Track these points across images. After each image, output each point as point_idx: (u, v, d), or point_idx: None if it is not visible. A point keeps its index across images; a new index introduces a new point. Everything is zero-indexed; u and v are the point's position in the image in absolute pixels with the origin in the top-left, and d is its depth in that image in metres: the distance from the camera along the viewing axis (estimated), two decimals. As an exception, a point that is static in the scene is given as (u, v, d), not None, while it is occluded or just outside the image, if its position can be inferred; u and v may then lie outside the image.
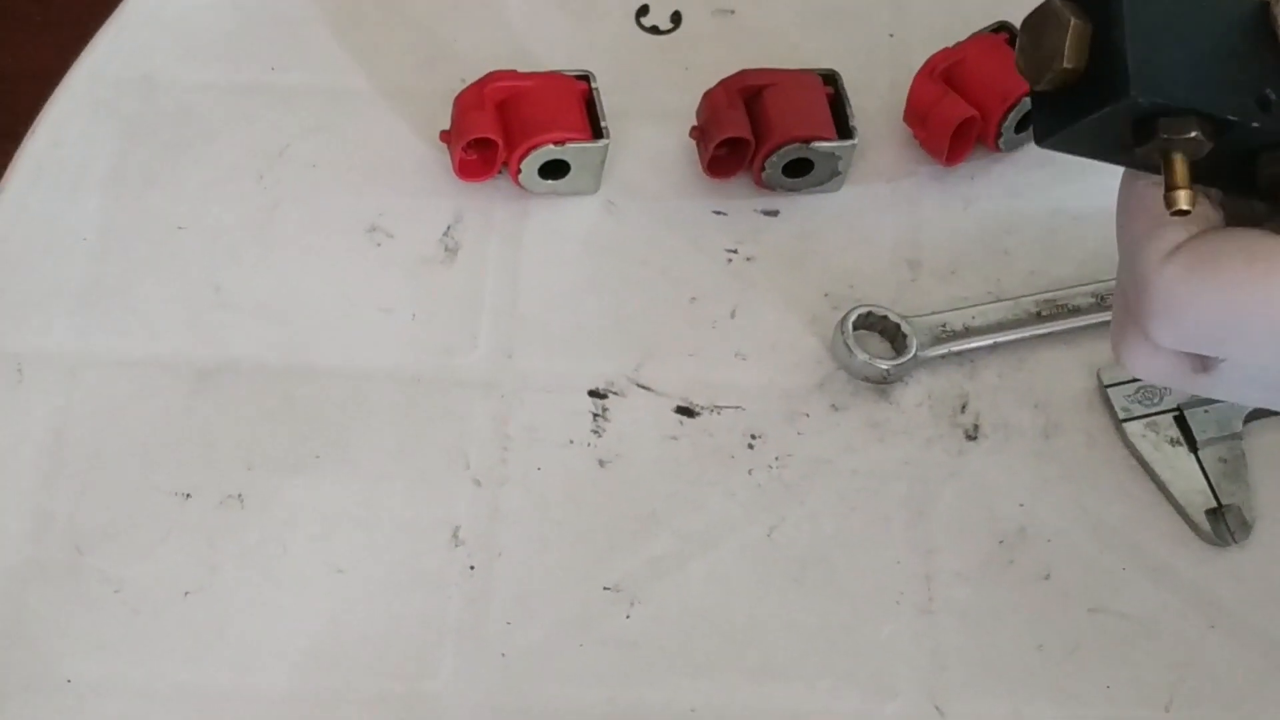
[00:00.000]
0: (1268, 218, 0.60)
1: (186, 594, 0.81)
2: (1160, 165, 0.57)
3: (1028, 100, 0.90)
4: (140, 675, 0.79)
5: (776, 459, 0.85)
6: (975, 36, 0.94)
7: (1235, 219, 0.61)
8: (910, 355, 0.86)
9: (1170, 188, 0.57)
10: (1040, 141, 0.59)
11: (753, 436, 0.86)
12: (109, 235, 0.91)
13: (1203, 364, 0.62)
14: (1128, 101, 0.56)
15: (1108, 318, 0.87)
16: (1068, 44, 0.56)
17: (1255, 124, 0.57)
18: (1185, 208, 0.57)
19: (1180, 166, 0.57)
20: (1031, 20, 0.57)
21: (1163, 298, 0.59)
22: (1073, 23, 0.56)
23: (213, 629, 0.80)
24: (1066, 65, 0.56)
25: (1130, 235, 0.61)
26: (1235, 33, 0.58)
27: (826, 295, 0.90)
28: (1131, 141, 0.58)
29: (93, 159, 0.93)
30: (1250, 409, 0.84)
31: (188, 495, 0.83)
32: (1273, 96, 0.58)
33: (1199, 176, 0.57)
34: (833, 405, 0.86)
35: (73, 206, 0.92)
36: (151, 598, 0.81)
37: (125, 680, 0.79)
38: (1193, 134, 0.56)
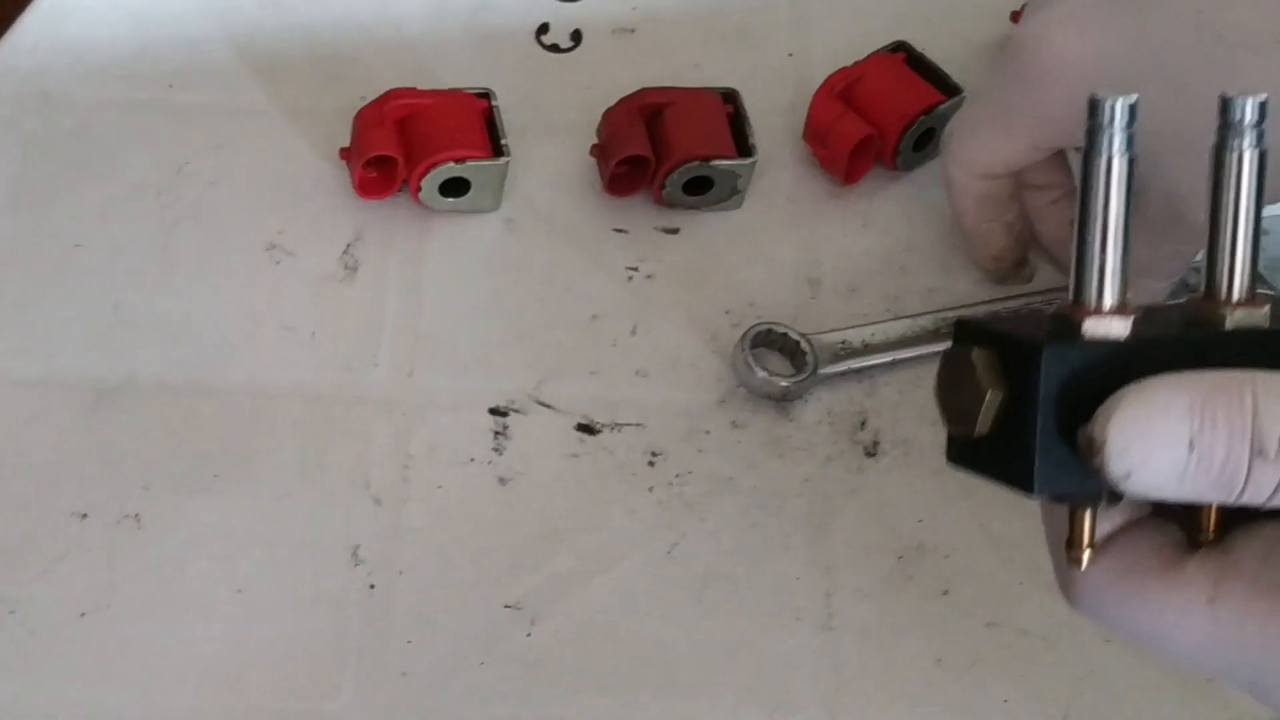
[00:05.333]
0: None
1: (84, 615, 0.80)
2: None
3: (925, 119, 0.92)
4: (37, 697, 0.78)
5: (677, 476, 0.85)
6: (873, 55, 0.95)
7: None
8: (810, 372, 0.86)
9: (1072, 544, 0.57)
10: (949, 461, 0.58)
11: (653, 454, 0.86)
12: (6, 253, 0.90)
13: None
14: (1029, 495, 0.55)
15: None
16: (981, 415, 0.55)
17: None
18: (1083, 569, 0.57)
19: (1084, 524, 0.57)
20: (949, 364, 0.57)
21: (1081, 607, 0.58)
22: (988, 395, 0.55)
23: (111, 650, 0.79)
24: (979, 432, 0.56)
25: (1051, 539, 0.60)
26: None
27: (727, 313, 0.90)
28: None
29: (-11, 177, 0.93)
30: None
31: (85, 515, 0.83)
32: None
33: None
34: (733, 423, 0.87)
35: (-31, 225, 0.91)
36: (48, 618, 0.80)
37: (22, 702, 0.78)
38: (1099, 503, 0.57)
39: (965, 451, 0.57)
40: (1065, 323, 0.56)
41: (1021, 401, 0.55)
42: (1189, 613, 0.56)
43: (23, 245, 0.91)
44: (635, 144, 0.91)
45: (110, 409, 0.86)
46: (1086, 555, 0.56)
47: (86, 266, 0.90)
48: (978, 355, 0.56)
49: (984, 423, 0.55)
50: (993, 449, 0.56)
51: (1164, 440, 0.53)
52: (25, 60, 0.97)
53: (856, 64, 0.94)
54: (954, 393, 0.56)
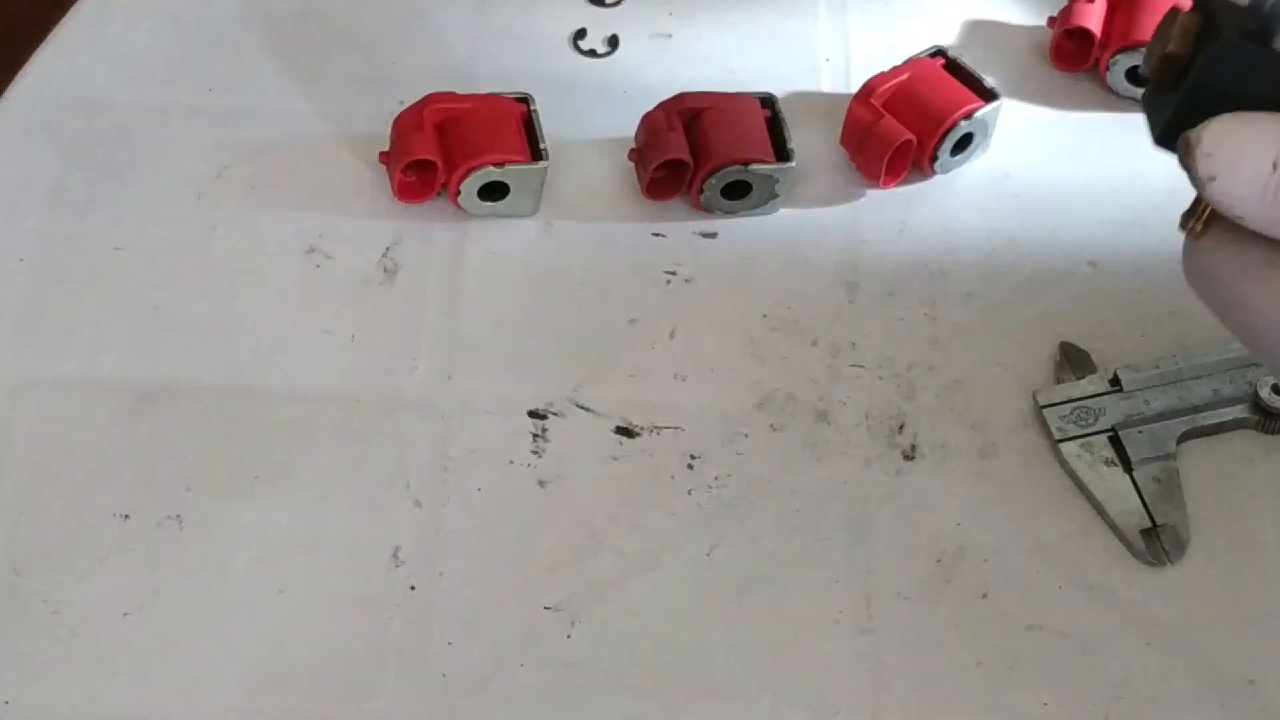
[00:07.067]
0: None
1: (126, 615, 0.80)
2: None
3: (962, 124, 0.92)
4: (80, 698, 0.79)
5: (716, 479, 0.85)
6: (912, 61, 0.95)
7: None
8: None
9: (1190, 215, 0.60)
10: (1157, 137, 0.61)
11: (692, 457, 0.86)
12: (47, 256, 0.91)
13: None
14: (1222, 41, 0.58)
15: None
16: (1154, 61, 0.60)
17: None
18: (1193, 238, 0.60)
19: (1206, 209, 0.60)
20: (1169, 15, 0.60)
21: (1187, 270, 0.62)
22: (1167, 48, 0.59)
23: (153, 651, 0.80)
24: (1147, 73, 0.60)
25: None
26: None
27: (765, 316, 0.90)
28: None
29: (31, 180, 0.93)
30: (1183, 429, 0.85)
31: (127, 516, 0.83)
32: None
33: None
34: (771, 426, 0.87)
35: (11, 227, 0.92)
36: (91, 619, 0.80)
37: (64, 702, 0.78)
38: None
39: (1146, 91, 0.62)
40: (1268, 27, 0.59)
41: (1189, 70, 0.59)
42: (1274, 280, 0.59)
43: (63, 248, 0.91)
44: (674, 148, 0.91)
45: (151, 411, 0.86)
46: (1200, 226, 0.60)
47: (126, 269, 0.91)
48: (1184, 17, 0.60)
49: (1153, 69, 0.60)
50: (1158, 98, 0.61)
51: (1250, 155, 0.57)
52: (66, 64, 0.98)
53: (894, 68, 0.94)
54: (1157, 38, 0.60)
